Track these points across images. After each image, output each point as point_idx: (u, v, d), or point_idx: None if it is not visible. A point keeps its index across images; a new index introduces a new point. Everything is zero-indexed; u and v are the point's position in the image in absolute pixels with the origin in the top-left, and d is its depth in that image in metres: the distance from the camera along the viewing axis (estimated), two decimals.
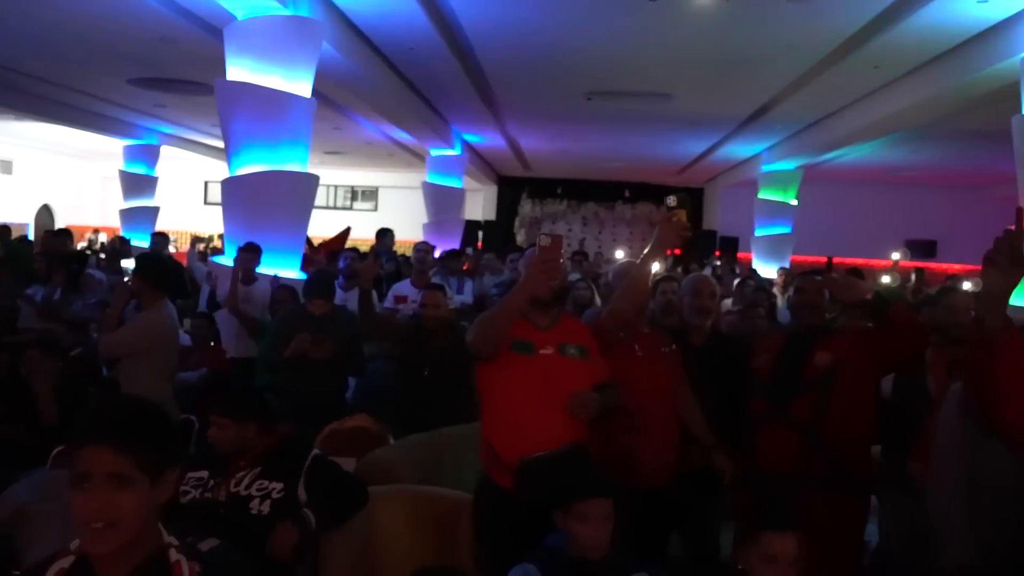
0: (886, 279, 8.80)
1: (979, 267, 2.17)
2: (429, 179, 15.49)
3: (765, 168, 15.77)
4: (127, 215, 15.62)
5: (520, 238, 20.52)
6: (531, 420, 3.02)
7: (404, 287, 6.84)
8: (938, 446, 2.90)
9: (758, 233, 16.09)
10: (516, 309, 3.04)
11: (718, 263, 13.00)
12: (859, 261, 14.44)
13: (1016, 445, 2.24)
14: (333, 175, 20.85)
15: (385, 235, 9.86)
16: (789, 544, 2.37)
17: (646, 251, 3.30)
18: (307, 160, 7.53)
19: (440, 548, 3.45)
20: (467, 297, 7.72)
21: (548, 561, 2.61)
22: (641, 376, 3.36)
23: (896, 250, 18.07)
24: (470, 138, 16.08)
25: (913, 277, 10.99)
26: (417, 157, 17.03)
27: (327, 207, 21.47)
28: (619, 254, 14.91)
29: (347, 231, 10.13)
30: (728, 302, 7.90)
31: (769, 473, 3.41)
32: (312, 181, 7.63)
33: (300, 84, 7.34)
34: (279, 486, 3.14)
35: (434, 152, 15.41)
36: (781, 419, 3.40)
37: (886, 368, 3.48)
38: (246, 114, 7.17)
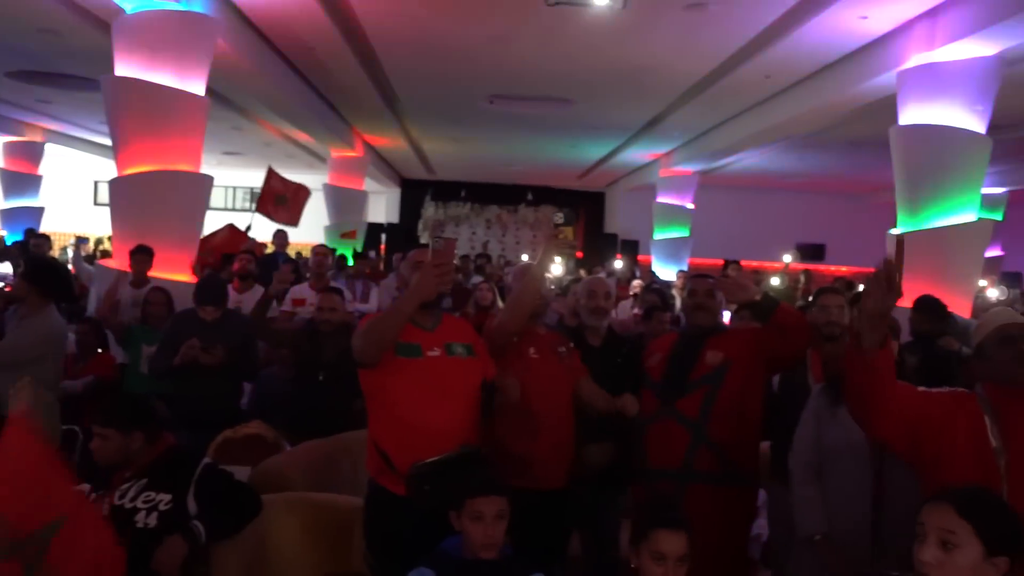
0: (775, 281, 9.17)
1: (864, 269, 2.31)
2: (330, 181, 15.26)
3: (663, 173, 16.16)
4: (7, 215, 14.86)
5: (424, 241, 20.45)
6: (422, 424, 2.99)
7: (302, 290, 6.73)
8: (796, 437, 3.16)
9: (657, 236, 16.46)
10: (406, 314, 3.01)
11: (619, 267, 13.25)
12: (752, 263, 14.94)
13: (887, 444, 2.38)
14: (232, 176, 20.29)
15: (278, 236, 9.87)
16: (678, 542, 2.43)
17: (533, 266, 3.36)
18: (200, 160, 7.32)
19: (335, 556, 3.40)
20: (371, 306, 7.60)
21: (444, 564, 2.60)
22: (535, 379, 3.39)
23: (787, 253, 18.78)
24: (372, 140, 15.92)
25: (802, 279, 11.40)
26: (318, 159, 16.75)
27: (226, 209, 20.88)
28: (524, 257, 15.03)
29: (247, 230, 9.88)
30: (628, 303, 8.07)
31: (659, 469, 3.50)
32: (205, 182, 7.41)
33: (193, 82, 7.12)
34: (166, 498, 3.04)
35: (335, 154, 15.20)
36: (671, 416, 3.48)
37: (773, 366, 3.61)
38: (135, 112, 6.93)
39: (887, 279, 2.15)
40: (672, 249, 16.02)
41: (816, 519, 2.99)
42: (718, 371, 3.48)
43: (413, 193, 21.75)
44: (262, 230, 10.34)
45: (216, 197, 20.56)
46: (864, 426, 2.34)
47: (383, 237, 19.66)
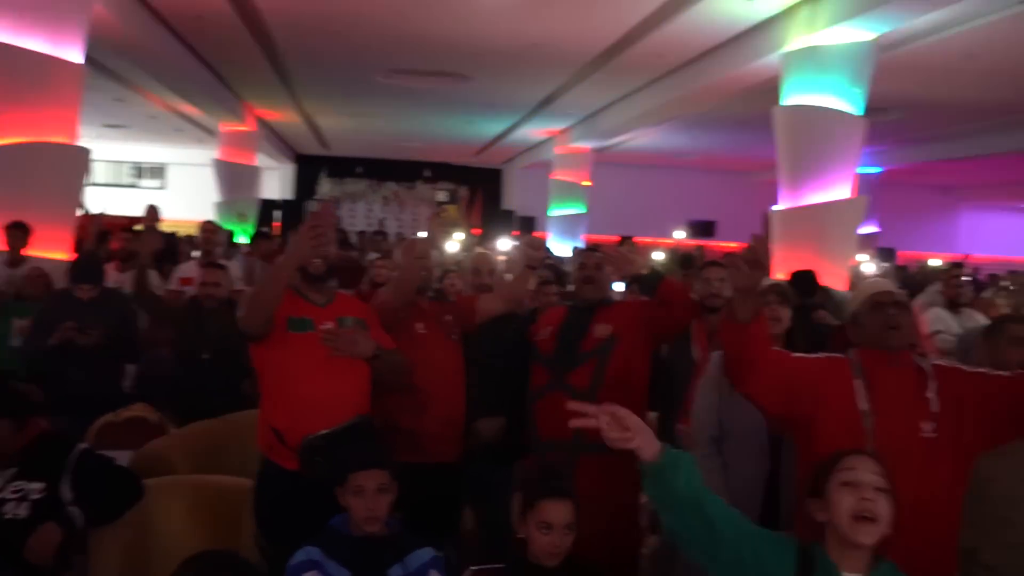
0: (659, 255, 9.50)
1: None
2: (220, 156, 14.77)
3: (559, 150, 16.30)
4: None
5: None
6: (315, 398, 2.97)
7: (189, 268, 6.51)
8: (696, 407, 3.24)
9: (553, 212, 16.62)
10: (283, 278, 2.97)
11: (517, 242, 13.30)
12: (646, 239, 15.26)
13: (763, 410, 2.48)
14: (116, 150, 19.41)
15: (149, 211, 9.43)
16: (564, 511, 2.47)
17: (417, 243, 3.36)
18: (77, 132, 6.96)
19: (223, 538, 3.32)
20: None
21: (332, 541, 2.58)
22: (424, 354, 3.39)
23: (679, 229, 19.28)
24: (264, 114, 15.47)
25: (695, 255, 11.72)
26: (208, 133, 16.19)
27: (110, 184, 19.98)
28: (422, 235, 14.93)
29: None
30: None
31: (550, 441, 3.55)
32: (81, 155, 7.05)
33: (68, 48, 6.75)
34: (39, 486, 2.91)
35: (225, 128, 14.70)
36: (561, 389, 3.53)
37: (659, 338, 3.69)
38: (4, 80, 6.52)
39: (755, 255, 2.22)
40: (568, 225, 16.21)
41: (717, 490, 3.05)
42: (606, 343, 3.54)
43: (308, 169, 21.29)
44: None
45: (101, 172, 19.76)
46: (740, 390, 2.42)
47: (277, 215, 19.16)
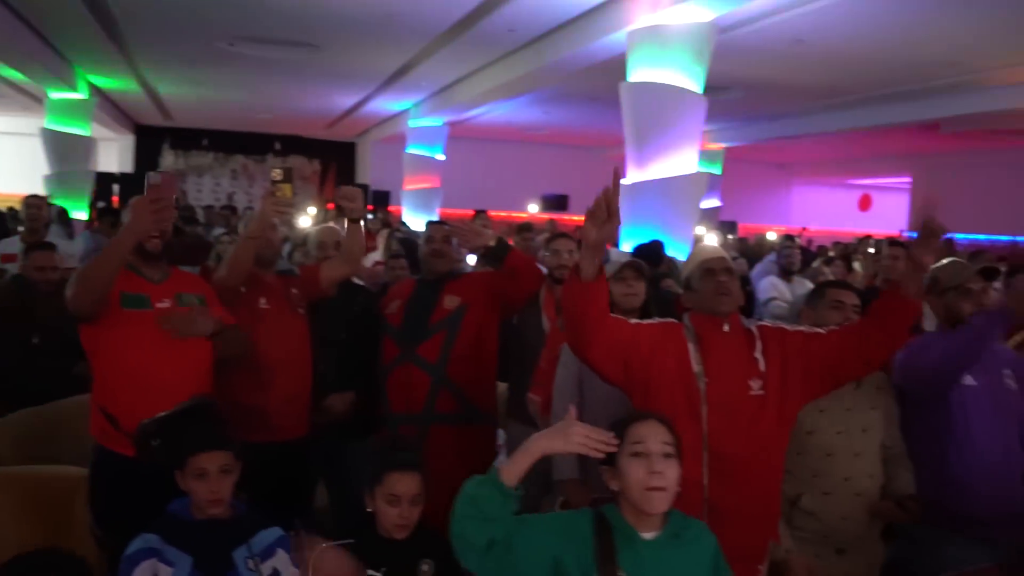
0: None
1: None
2: (48, 125, 13.76)
3: (413, 123, 16.16)
4: None
5: None
6: (151, 379, 2.85)
7: (12, 244, 6.07)
8: (557, 377, 3.29)
9: (408, 187, 16.50)
10: (120, 255, 2.81)
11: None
12: (501, 214, 15.40)
13: (604, 376, 2.55)
14: None
15: None
16: (411, 483, 2.48)
17: (253, 220, 3.26)
18: None
19: (53, 532, 3.14)
20: None
21: (171, 528, 2.48)
22: (267, 329, 3.31)
23: (533, 203, 19.59)
24: (98, 80, 14.50)
25: (547, 228, 11.92)
26: (35, 100, 15.03)
27: None
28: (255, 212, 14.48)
29: None
30: (375, 255, 8.03)
31: (401, 413, 3.55)
32: None
33: None
34: None
35: (53, 95, 13.69)
36: (411, 361, 3.53)
37: (507, 309, 3.74)
38: None
39: (607, 208, 2.26)
40: (423, 200, 16.13)
41: (573, 464, 3.13)
42: (455, 315, 3.56)
43: (149, 141, 20.21)
44: None
45: None
46: (580, 353, 2.47)
47: (116, 188, 18.08)
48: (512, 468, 1.92)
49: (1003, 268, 3.55)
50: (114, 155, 19.79)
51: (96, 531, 2.96)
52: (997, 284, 3.36)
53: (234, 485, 2.55)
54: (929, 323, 3.33)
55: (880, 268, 6.86)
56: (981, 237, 16.95)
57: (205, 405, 2.80)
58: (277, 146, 20.51)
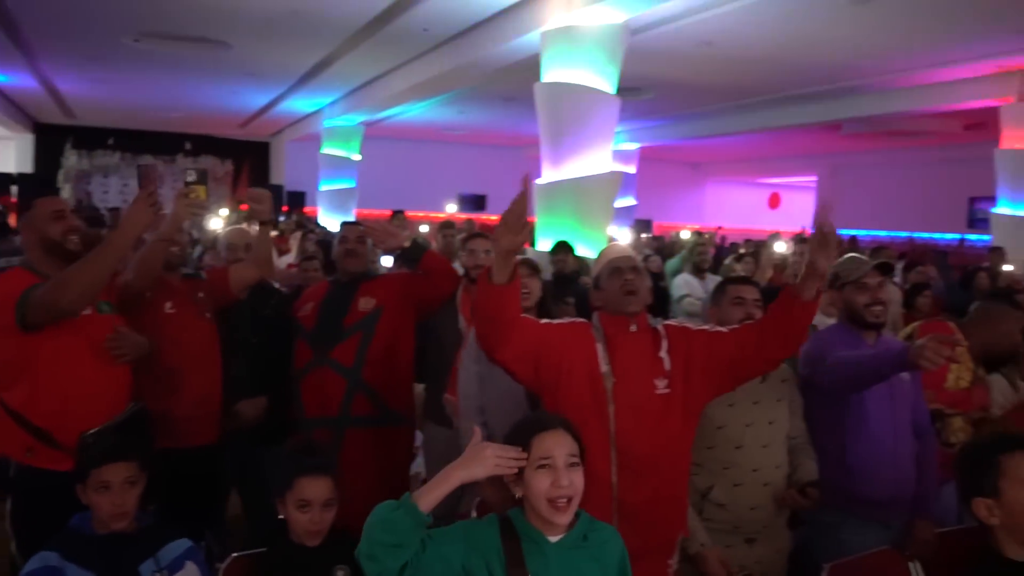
0: (424, 229, 9.64)
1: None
2: None
3: (328, 123, 15.94)
4: None
5: (65, 193, 18.33)
6: (85, 389, 2.76)
7: None
8: (460, 379, 3.29)
9: (323, 187, 16.26)
10: (123, 250, 2.85)
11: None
12: (419, 214, 15.34)
13: (515, 376, 2.56)
14: None
15: None
16: (322, 487, 2.44)
17: (159, 231, 3.18)
18: None
19: None
20: None
21: (71, 544, 2.38)
22: (173, 333, 3.23)
23: (450, 203, 19.56)
24: None
25: (466, 228, 11.93)
26: None
27: None
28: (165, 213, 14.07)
29: None
30: (289, 257, 7.91)
31: (316, 418, 3.50)
32: None
33: None
34: None
35: None
36: (326, 365, 3.49)
37: (423, 309, 3.72)
38: None
39: (518, 216, 2.27)
40: (338, 200, 15.94)
41: None
42: (370, 317, 3.53)
43: (50, 140, 19.39)
44: None
45: None
46: (491, 354, 2.46)
47: (14, 190, 17.31)
48: (429, 497, 1.90)
49: (901, 263, 3.70)
50: (12, 154, 18.94)
51: (20, 560, 2.78)
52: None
53: (140, 497, 2.46)
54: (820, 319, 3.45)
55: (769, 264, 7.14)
56: (882, 233, 17.71)
57: (143, 414, 2.71)
58: (188, 146, 19.93)
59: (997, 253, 9.30)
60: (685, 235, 10.90)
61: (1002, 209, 10.96)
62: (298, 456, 2.51)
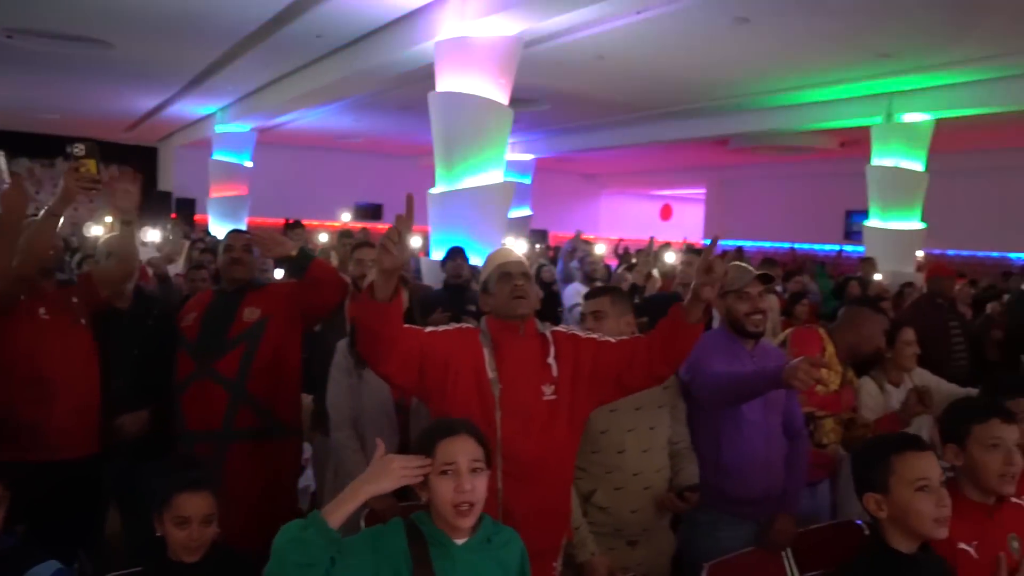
0: (324, 238, 9.51)
1: (418, 228, 2.40)
2: None
3: (219, 128, 15.53)
4: None
5: None
6: None
7: None
8: (330, 392, 3.32)
9: (214, 195, 15.83)
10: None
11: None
12: (313, 223, 15.09)
13: (401, 387, 2.56)
14: None
15: None
16: (200, 503, 2.38)
17: (49, 206, 3.03)
18: None
19: None
20: None
21: None
22: (47, 340, 3.10)
23: (346, 212, 19.32)
24: None
25: (360, 236, 11.82)
26: None
27: None
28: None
29: None
30: (176, 267, 7.67)
31: (199, 431, 3.41)
32: None
33: None
34: None
35: None
36: (208, 377, 3.40)
37: (310, 319, 3.68)
38: None
39: (400, 235, 2.26)
40: (230, 208, 15.52)
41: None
42: (255, 327, 3.46)
43: None
44: None
45: None
46: (375, 368, 2.45)
47: None
48: (337, 513, 1.90)
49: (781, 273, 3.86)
50: None
51: None
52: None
53: (3, 517, 2.34)
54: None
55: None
56: (767, 244, 18.45)
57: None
58: (69, 149, 19.03)
59: (868, 263, 9.81)
60: (600, 248, 11.03)
61: (872, 221, 11.61)
62: (175, 471, 2.44)
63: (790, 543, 2.97)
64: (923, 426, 3.75)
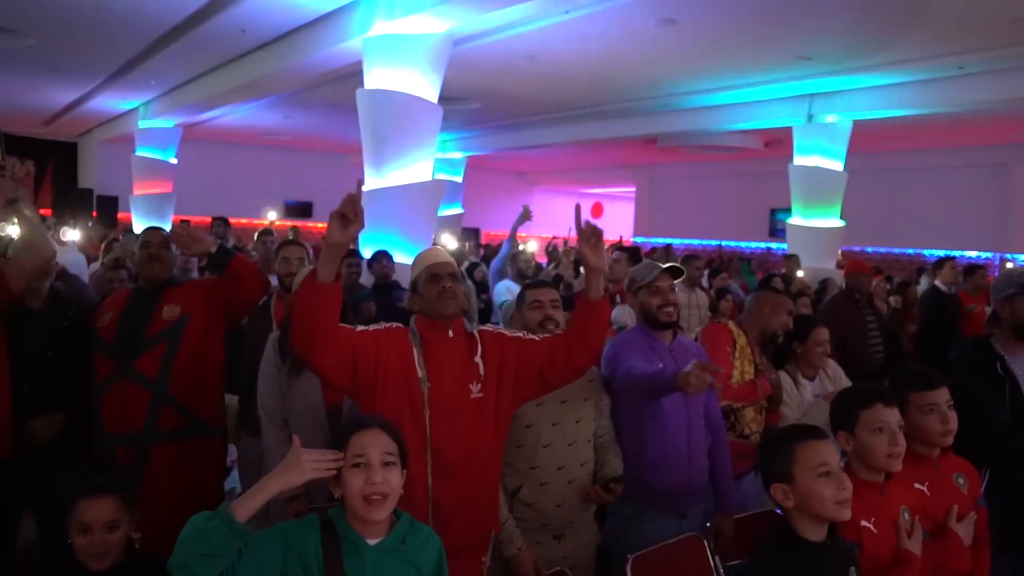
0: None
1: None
2: None
3: (142, 124, 15.11)
4: None
5: None
6: None
7: None
8: (260, 390, 3.29)
9: (137, 192, 15.42)
10: None
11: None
12: (241, 221, 14.83)
13: (333, 384, 2.55)
14: None
15: None
16: (103, 509, 2.33)
17: None
18: None
19: None
20: None
21: None
22: None
23: (274, 210, 19.01)
24: None
25: (290, 234, 11.68)
26: None
27: None
28: None
29: None
30: (97, 265, 7.45)
31: (118, 434, 3.33)
32: None
33: None
34: None
35: None
36: (127, 378, 3.33)
37: (232, 316, 3.62)
38: None
39: (353, 209, 2.23)
40: (154, 206, 15.11)
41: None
42: (176, 325, 3.40)
43: None
44: None
45: None
46: (310, 361, 2.43)
47: None
48: (246, 506, 1.89)
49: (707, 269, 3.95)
50: None
51: None
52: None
53: None
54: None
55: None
56: (695, 242, 18.80)
57: None
58: None
59: (791, 260, 10.08)
60: (532, 246, 11.07)
61: (795, 219, 11.93)
62: (78, 476, 2.37)
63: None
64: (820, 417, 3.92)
